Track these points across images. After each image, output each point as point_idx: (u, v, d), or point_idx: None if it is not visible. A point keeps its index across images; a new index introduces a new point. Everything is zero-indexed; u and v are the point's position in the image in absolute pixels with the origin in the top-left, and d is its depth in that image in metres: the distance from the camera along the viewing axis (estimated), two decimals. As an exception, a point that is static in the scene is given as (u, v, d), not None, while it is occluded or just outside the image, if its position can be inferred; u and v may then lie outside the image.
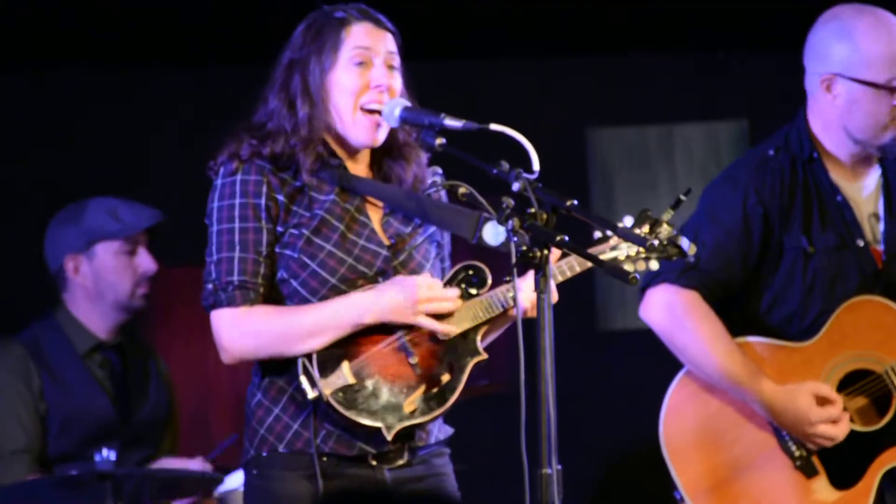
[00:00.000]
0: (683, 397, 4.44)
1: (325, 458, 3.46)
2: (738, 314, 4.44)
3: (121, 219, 5.12)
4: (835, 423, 4.29)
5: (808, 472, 4.34)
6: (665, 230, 3.62)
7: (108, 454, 4.66)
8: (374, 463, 3.49)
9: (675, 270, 4.38)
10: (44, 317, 5.14)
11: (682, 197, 3.53)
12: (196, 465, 5.02)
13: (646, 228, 3.61)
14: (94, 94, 6.57)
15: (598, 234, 3.66)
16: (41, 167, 6.48)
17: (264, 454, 3.49)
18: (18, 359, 5.01)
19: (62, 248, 5.11)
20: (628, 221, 3.65)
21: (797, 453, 4.33)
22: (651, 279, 4.42)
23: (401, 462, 3.52)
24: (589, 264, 3.55)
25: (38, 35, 6.30)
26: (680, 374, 4.46)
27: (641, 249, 3.61)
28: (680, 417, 4.43)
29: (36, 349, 5.04)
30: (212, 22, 6.35)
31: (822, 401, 4.30)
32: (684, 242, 3.34)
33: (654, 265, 3.62)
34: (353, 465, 3.48)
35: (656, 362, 6.86)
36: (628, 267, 3.62)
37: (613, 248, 3.63)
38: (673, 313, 4.40)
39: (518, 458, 3.13)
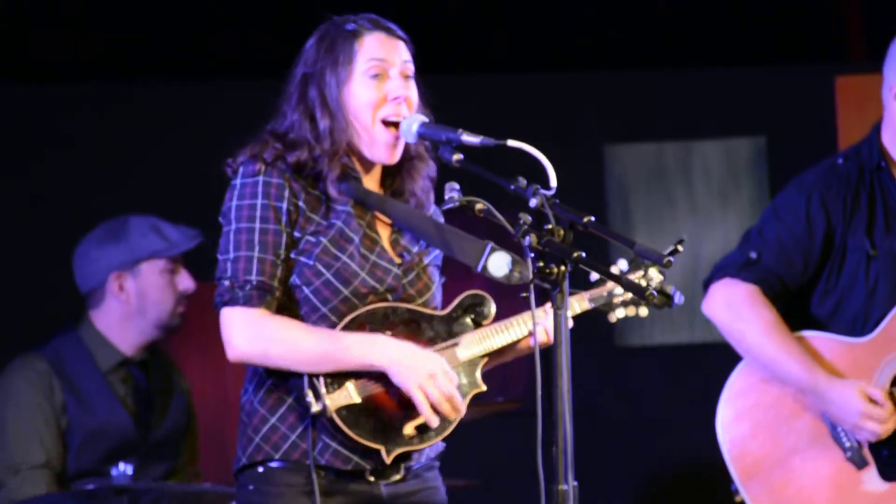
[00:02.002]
0: (741, 388, 4.52)
1: (322, 473, 3.44)
2: (804, 316, 4.51)
3: (167, 237, 5.13)
4: (882, 423, 4.34)
5: (858, 463, 4.41)
6: (656, 277, 3.73)
7: (124, 468, 4.65)
8: (371, 479, 3.48)
9: (736, 265, 4.49)
10: (66, 332, 5.12)
11: (679, 247, 3.56)
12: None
13: (639, 273, 3.76)
14: (102, 111, 6.58)
15: (594, 277, 3.71)
16: (43, 183, 6.50)
17: (260, 470, 3.46)
18: (41, 374, 5.00)
19: (106, 265, 5.09)
20: (622, 265, 3.72)
21: (848, 444, 4.40)
22: (713, 275, 4.53)
23: (397, 477, 3.51)
24: (588, 306, 3.69)
25: (39, 46, 6.32)
26: (739, 367, 4.54)
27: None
28: (737, 408, 4.51)
29: (59, 365, 5.02)
30: (225, 35, 6.37)
31: (873, 402, 4.36)
32: (675, 293, 3.36)
33: (644, 312, 3.76)
34: (351, 480, 3.47)
35: (673, 379, 6.88)
36: (619, 312, 3.74)
37: (610, 293, 3.74)
38: (731, 306, 4.48)
39: (534, 473, 3.13)
